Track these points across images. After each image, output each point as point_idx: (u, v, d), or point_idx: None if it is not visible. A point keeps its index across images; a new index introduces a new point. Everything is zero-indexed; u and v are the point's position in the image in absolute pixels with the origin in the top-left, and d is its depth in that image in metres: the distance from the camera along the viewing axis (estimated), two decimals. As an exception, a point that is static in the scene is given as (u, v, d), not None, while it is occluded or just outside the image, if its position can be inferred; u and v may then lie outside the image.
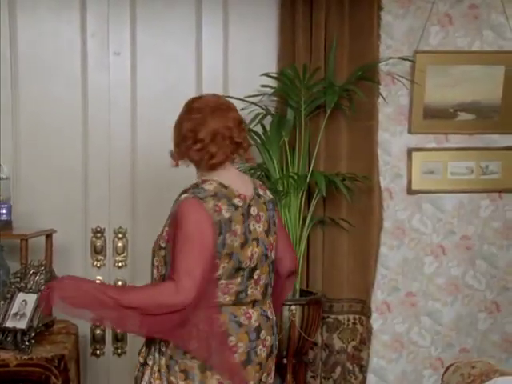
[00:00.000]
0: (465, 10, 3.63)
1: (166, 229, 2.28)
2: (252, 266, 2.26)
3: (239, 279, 2.23)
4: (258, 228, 2.29)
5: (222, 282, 2.21)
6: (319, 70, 3.22)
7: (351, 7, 3.46)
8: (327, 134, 3.48)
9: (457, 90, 3.64)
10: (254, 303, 2.28)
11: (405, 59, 3.46)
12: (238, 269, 2.24)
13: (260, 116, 3.22)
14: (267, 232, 2.32)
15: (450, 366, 2.24)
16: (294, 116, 3.26)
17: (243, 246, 2.23)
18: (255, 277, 2.28)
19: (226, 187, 2.24)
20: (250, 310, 2.27)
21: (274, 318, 2.38)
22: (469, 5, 3.63)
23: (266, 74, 3.17)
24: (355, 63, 3.47)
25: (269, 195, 2.40)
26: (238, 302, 2.24)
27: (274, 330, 2.36)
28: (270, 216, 2.34)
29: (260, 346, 2.28)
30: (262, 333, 2.29)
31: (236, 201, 2.24)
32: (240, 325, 2.24)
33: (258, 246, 2.28)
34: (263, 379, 2.31)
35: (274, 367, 2.40)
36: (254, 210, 2.29)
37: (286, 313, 3.14)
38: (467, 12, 3.64)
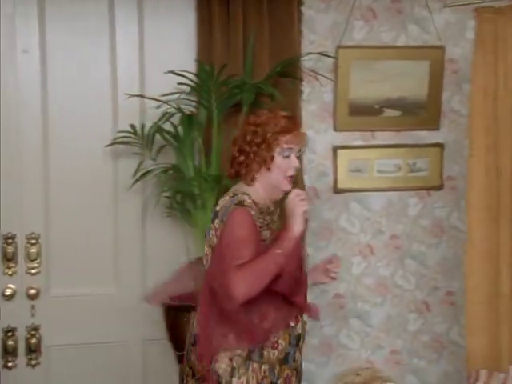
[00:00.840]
0: (388, 3, 3.55)
1: None
2: None
3: None
4: None
5: None
6: (226, 67, 3.08)
7: (270, 2, 3.35)
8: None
9: (382, 86, 3.56)
10: None
11: (324, 55, 3.35)
12: None
13: (168, 115, 3.09)
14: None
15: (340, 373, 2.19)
16: (206, 115, 3.14)
17: None
18: None
19: None
20: None
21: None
22: (392, -2, 3.56)
23: (172, 72, 3.03)
24: (276, 60, 3.35)
25: (217, 206, 2.43)
26: None
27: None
28: (209, 226, 2.45)
29: None
30: None
31: None
32: None
33: None
34: None
35: None
36: None
37: (200, 319, 3.01)
38: (390, 6, 3.55)
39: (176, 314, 3.09)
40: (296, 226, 2.30)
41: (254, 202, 2.42)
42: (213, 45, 3.31)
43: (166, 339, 3.17)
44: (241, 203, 2.38)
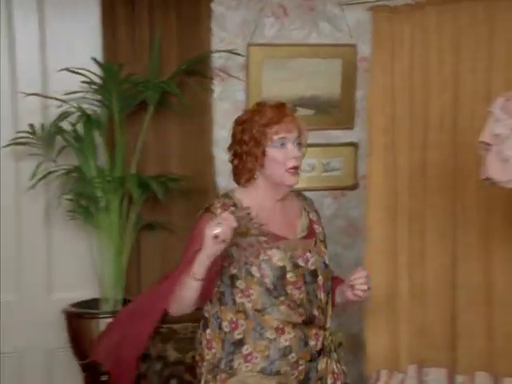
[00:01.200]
0: (299, 0, 3.50)
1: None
2: None
3: None
4: None
5: None
6: (124, 65, 3.01)
7: (177, -1, 3.29)
8: (156, 133, 3.30)
9: (295, 85, 3.51)
10: None
11: (233, 53, 3.29)
12: None
13: (65, 114, 2.98)
14: None
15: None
16: (108, 115, 3.04)
17: None
18: None
19: None
20: None
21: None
22: (303, -4, 3.51)
23: (68, 69, 2.92)
24: (186, 58, 3.28)
25: None
26: None
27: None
28: None
29: None
30: None
31: None
32: None
33: None
34: None
35: None
36: None
37: (103, 327, 2.91)
38: (301, 3, 3.51)
39: (78, 322, 2.98)
40: (204, 250, 2.05)
41: (228, 205, 2.19)
42: (118, 42, 3.23)
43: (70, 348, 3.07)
44: (207, 209, 2.22)
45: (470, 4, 2.54)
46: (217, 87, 3.45)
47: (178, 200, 3.32)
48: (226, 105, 3.49)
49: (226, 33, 3.44)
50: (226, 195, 2.27)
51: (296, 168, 2.23)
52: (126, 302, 3.09)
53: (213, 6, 3.40)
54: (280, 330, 2.17)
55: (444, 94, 2.66)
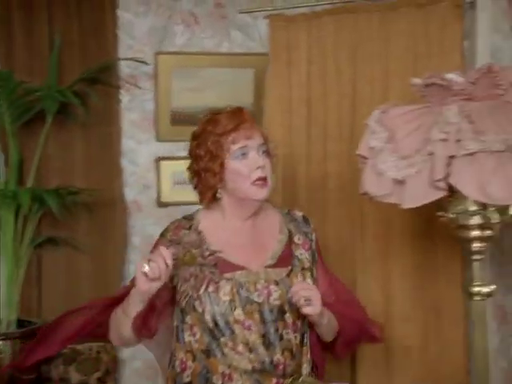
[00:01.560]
0: (210, 8, 3.40)
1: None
2: None
3: None
4: None
5: None
6: (20, 73, 2.89)
7: (79, 3, 3.15)
8: (58, 145, 3.18)
9: (206, 95, 3.40)
10: None
11: (138, 61, 3.18)
12: None
13: None
14: None
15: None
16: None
17: None
18: None
19: None
20: None
21: None
22: (214, 3, 3.40)
23: None
24: (90, 66, 3.15)
25: None
26: None
27: None
28: None
29: None
30: None
31: None
32: None
33: None
34: None
35: None
36: None
37: (-7, 350, 2.76)
38: (213, 11, 3.40)
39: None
40: (137, 287, 1.84)
41: (182, 227, 2.03)
42: (14, 48, 3.09)
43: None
44: (162, 233, 2.08)
45: (366, 15, 2.49)
46: (124, 96, 3.33)
47: (82, 214, 3.19)
48: (135, 115, 3.37)
49: (133, 40, 3.33)
50: (188, 216, 2.08)
51: (263, 179, 1.96)
52: (20, 322, 2.93)
53: (119, 12, 3.28)
54: (227, 377, 1.90)
55: (342, 104, 2.59)
